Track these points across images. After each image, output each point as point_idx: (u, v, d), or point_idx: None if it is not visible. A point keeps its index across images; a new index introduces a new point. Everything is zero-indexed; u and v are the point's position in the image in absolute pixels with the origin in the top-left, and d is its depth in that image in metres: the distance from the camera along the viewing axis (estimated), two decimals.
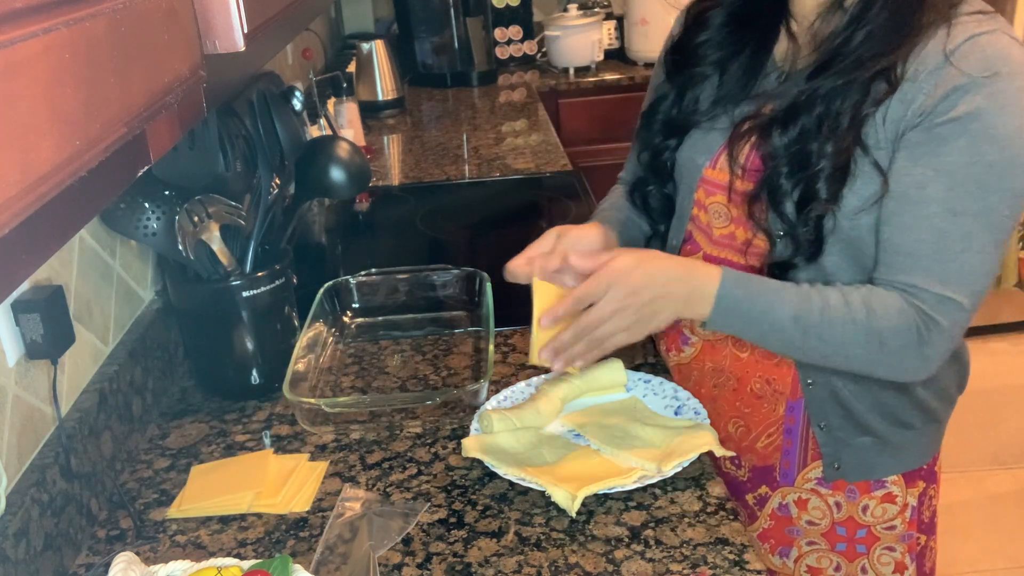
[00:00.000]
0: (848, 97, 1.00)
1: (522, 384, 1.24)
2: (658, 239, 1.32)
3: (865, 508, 1.18)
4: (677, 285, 1.04)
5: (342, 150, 1.48)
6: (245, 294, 1.26)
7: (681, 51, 1.21)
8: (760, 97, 1.12)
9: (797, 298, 1.02)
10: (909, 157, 0.99)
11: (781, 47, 1.13)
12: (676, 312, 1.05)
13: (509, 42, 3.50)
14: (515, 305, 1.46)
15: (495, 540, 1.00)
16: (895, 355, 1.02)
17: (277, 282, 1.30)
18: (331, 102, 2.39)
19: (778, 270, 1.09)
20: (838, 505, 1.19)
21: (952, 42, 0.97)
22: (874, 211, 1.02)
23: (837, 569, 1.22)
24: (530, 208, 2.14)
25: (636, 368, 1.28)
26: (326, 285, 1.48)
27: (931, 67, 0.97)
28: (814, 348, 1.03)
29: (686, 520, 1.01)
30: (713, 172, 1.16)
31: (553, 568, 0.95)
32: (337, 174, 1.46)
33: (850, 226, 1.04)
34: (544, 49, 3.50)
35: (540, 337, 1.09)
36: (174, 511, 1.08)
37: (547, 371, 1.27)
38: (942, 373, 1.11)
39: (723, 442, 1.16)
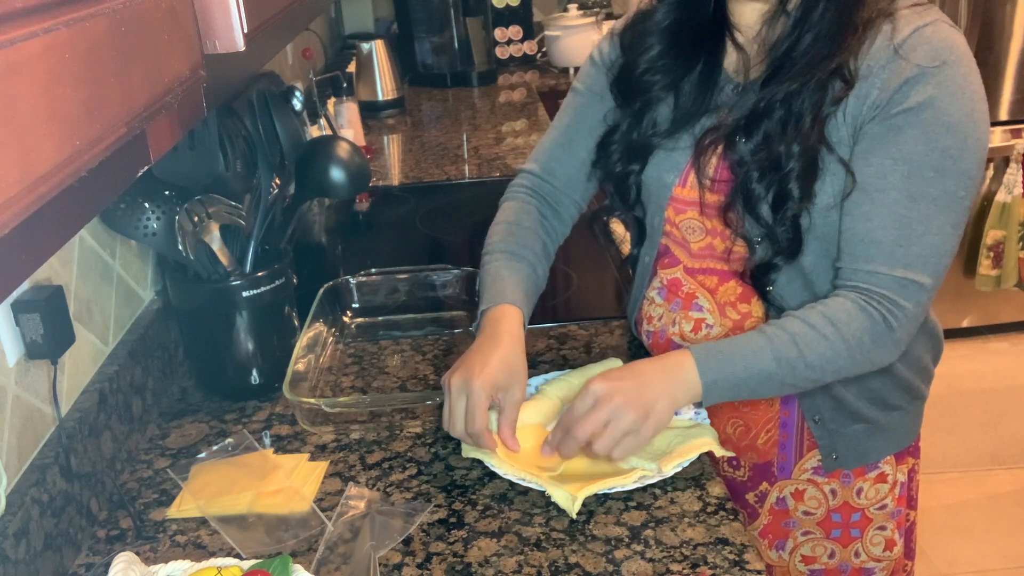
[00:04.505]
0: (807, 97, 1.02)
1: None
2: (629, 260, 1.32)
3: (859, 491, 1.20)
4: (658, 376, 1.03)
5: (342, 150, 1.48)
6: (245, 294, 1.26)
7: (626, 80, 1.19)
8: (719, 109, 1.12)
9: (766, 342, 1.02)
10: (868, 149, 1.02)
11: (731, 59, 1.12)
12: (671, 397, 1.03)
13: (509, 42, 3.50)
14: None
15: (495, 540, 1.00)
16: (873, 350, 1.04)
17: (277, 282, 1.30)
18: (331, 102, 2.39)
19: (760, 272, 1.10)
20: (833, 492, 1.21)
21: (899, 36, 1.00)
22: (841, 206, 1.05)
23: (831, 556, 1.24)
24: None
25: None
26: (326, 285, 1.48)
27: (882, 62, 1.00)
28: (805, 378, 1.04)
29: (686, 520, 1.01)
30: (683, 190, 1.15)
31: (553, 568, 0.95)
32: (337, 174, 1.46)
33: (823, 223, 1.06)
34: (544, 49, 3.50)
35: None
36: (174, 511, 1.08)
37: (547, 371, 1.28)
38: (918, 349, 1.16)
39: (722, 444, 1.16)
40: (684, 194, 1.15)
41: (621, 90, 1.20)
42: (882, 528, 1.23)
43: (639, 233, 1.27)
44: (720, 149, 1.10)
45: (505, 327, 1.11)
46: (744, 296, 1.15)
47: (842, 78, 1.01)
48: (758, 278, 1.11)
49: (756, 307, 1.15)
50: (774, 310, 1.12)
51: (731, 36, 1.11)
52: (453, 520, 1.04)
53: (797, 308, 1.10)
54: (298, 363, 1.27)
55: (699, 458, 1.08)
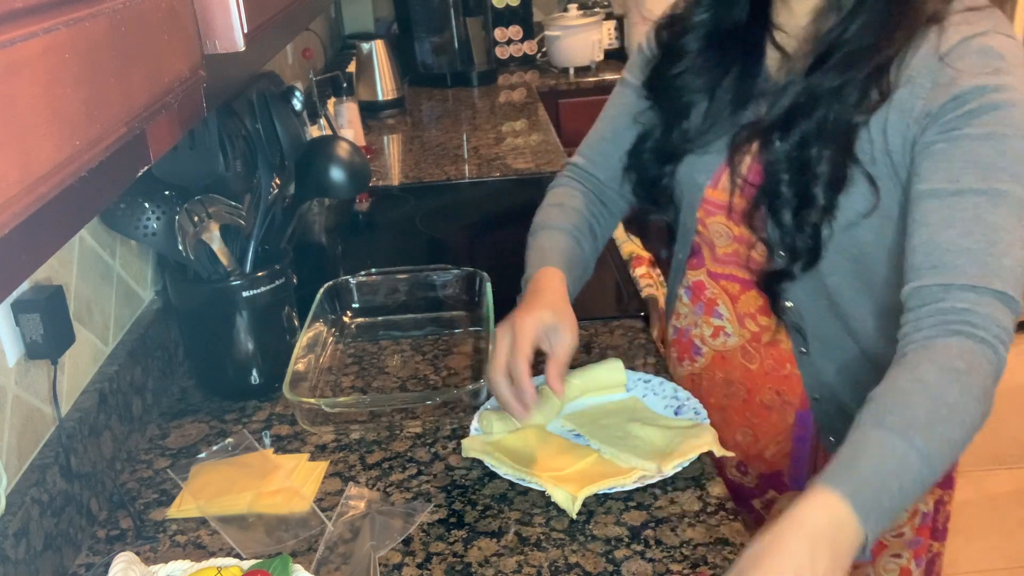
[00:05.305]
0: (847, 97, 0.97)
1: None
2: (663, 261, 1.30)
3: None
4: (820, 541, 0.78)
5: (342, 150, 1.48)
6: (245, 294, 1.26)
7: (660, 81, 1.15)
8: (758, 104, 1.07)
9: (906, 444, 0.81)
10: (933, 157, 0.93)
11: (772, 59, 1.08)
12: (835, 561, 0.79)
13: (509, 42, 3.50)
14: (515, 305, 1.46)
15: (495, 540, 1.00)
16: (994, 392, 0.88)
17: (277, 282, 1.30)
18: (331, 102, 2.39)
19: (774, 280, 1.07)
20: None
21: (945, 45, 0.94)
22: (873, 226, 1.00)
23: None
24: (530, 208, 2.12)
25: (635, 368, 1.28)
26: (326, 285, 1.48)
27: (925, 71, 0.95)
28: (949, 460, 0.85)
29: (686, 520, 1.01)
30: (714, 192, 1.12)
31: (553, 568, 0.95)
32: (337, 174, 1.46)
33: (849, 241, 1.01)
34: (544, 49, 3.50)
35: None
36: (174, 511, 1.08)
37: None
38: None
39: (731, 450, 1.14)
40: (715, 196, 1.12)
41: (655, 92, 1.16)
42: (897, 556, 1.18)
43: (671, 236, 1.24)
44: (756, 148, 1.06)
45: (545, 284, 1.09)
46: (765, 309, 1.12)
47: (879, 87, 0.96)
48: (771, 285, 1.07)
49: (776, 320, 1.12)
50: (793, 331, 1.08)
51: (771, 37, 1.06)
52: (453, 520, 1.03)
53: (817, 328, 1.04)
54: (298, 363, 1.27)
55: (699, 458, 1.08)
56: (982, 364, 0.85)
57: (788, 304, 1.08)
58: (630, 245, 1.83)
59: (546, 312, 1.05)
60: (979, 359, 0.85)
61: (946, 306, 0.87)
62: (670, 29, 1.15)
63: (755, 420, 1.19)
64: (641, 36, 1.24)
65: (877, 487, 0.80)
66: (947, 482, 1.19)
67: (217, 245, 1.23)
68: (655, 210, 1.22)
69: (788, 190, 1.01)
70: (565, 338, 1.05)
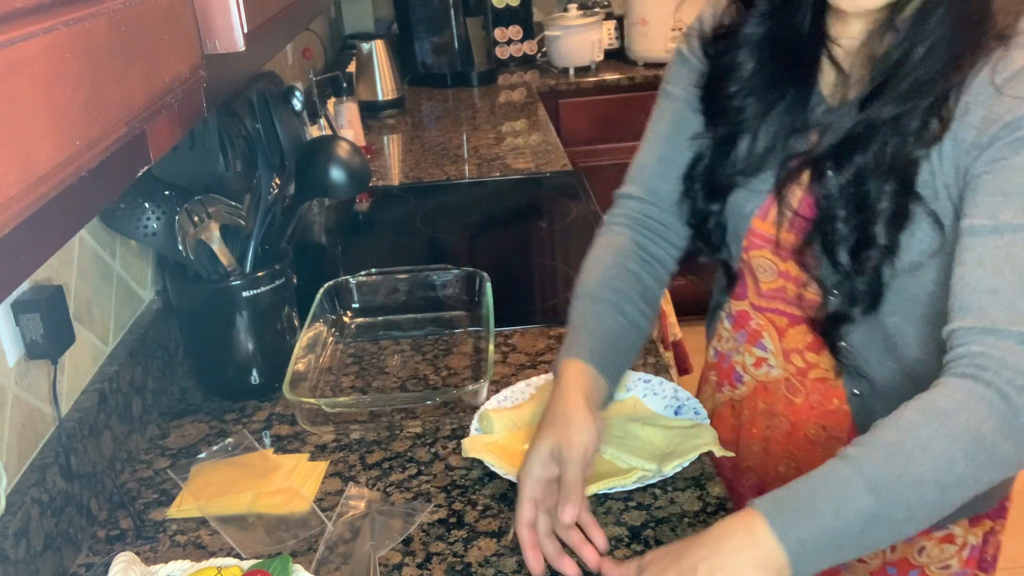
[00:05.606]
0: (907, 127, 0.90)
1: (522, 384, 1.24)
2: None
3: (922, 550, 1.11)
4: (718, 541, 0.79)
5: (342, 150, 1.48)
6: (245, 294, 1.26)
7: (716, 100, 1.05)
8: (809, 131, 1.00)
9: (852, 469, 0.78)
10: (977, 190, 0.87)
11: (827, 79, 1.00)
12: (728, 566, 0.78)
13: (509, 42, 3.50)
14: (515, 305, 1.46)
15: (495, 540, 1.00)
16: (999, 442, 0.79)
17: (277, 282, 1.30)
18: (331, 102, 2.39)
19: (832, 324, 1.00)
20: (892, 547, 1.10)
21: (1006, 71, 0.86)
22: (940, 266, 0.93)
23: None
24: (530, 208, 2.14)
25: (635, 368, 1.28)
26: (326, 285, 1.48)
27: (981, 99, 0.87)
28: (919, 503, 0.78)
29: (686, 520, 1.01)
30: (763, 224, 1.05)
31: (553, 568, 0.95)
32: (337, 174, 1.46)
33: (912, 283, 0.94)
34: (544, 49, 3.50)
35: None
36: (174, 511, 1.08)
37: (546, 372, 1.27)
38: None
39: (773, 482, 1.11)
40: (763, 229, 1.05)
41: (709, 111, 1.07)
42: None
43: (729, 278, 1.16)
44: (807, 179, 0.98)
45: (558, 385, 1.00)
46: (814, 345, 1.07)
47: (939, 116, 0.88)
48: (829, 330, 1.01)
49: (825, 359, 1.06)
50: (847, 372, 1.04)
51: (828, 52, 0.97)
52: (453, 520, 1.04)
53: (874, 370, 0.99)
54: (298, 363, 1.27)
55: (699, 458, 1.08)
56: (978, 407, 0.78)
57: (842, 344, 1.02)
58: None
59: (547, 443, 0.95)
60: (975, 401, 0.79)
61: (964, 351, 0.82)
62: (717, 43, 1.05)
63: (799, 454, 1.13)
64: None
65: (804, 506, 0.78)
66: (1000, 511, 1.12)
67: (217, 245, 1.24)
68: (707, 250, 1.13)
69: (844, 227, 0.94)
70: (571, 453, 0.93)
